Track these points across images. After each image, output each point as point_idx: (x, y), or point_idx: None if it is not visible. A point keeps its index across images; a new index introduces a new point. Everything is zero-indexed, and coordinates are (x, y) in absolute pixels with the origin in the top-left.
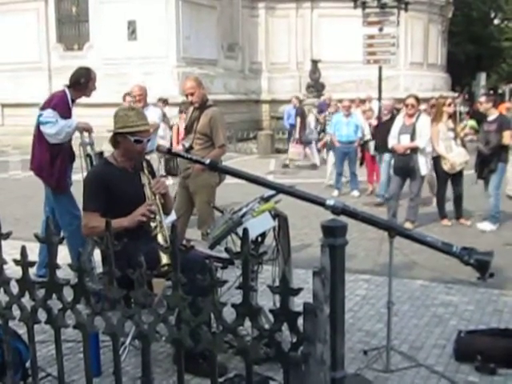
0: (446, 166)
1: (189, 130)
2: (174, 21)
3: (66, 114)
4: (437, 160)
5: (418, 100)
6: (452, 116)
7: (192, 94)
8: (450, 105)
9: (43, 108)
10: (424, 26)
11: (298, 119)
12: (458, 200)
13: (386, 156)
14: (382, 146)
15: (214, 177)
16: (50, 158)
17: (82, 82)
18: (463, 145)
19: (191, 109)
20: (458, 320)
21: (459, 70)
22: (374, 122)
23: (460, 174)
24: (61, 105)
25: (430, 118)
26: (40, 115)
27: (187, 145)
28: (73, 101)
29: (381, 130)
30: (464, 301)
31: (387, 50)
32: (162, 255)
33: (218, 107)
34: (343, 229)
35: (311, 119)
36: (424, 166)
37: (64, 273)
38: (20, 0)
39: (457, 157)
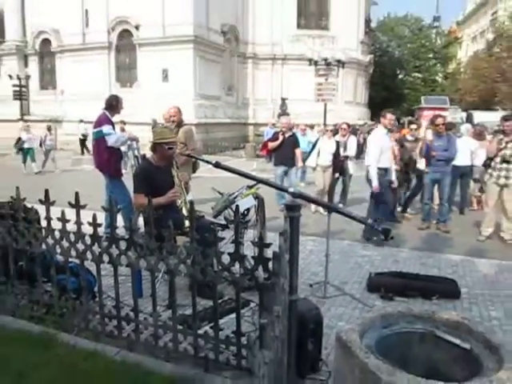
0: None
1: None
2: (192, 70)
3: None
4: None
5: (348, 125)
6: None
7: (175, 116)
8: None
9: (97, 126)
10: (354, 78)
11: None
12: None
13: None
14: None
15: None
16: (108, 157)
17: (114, 104)
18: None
19: (173, 126)
20: (370, 266)
21: (376, 107)
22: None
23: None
24: (108, 121)
25: (355, 138)
26: (99, 131)
27: None
28: None
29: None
30: (375, 254)
31: (330, 92)
32: (186, 221)
33: (190, 126)
34: (299, 207)
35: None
36: (352, 168)
37: (119, 231)
38: (93, 53)
39: None
